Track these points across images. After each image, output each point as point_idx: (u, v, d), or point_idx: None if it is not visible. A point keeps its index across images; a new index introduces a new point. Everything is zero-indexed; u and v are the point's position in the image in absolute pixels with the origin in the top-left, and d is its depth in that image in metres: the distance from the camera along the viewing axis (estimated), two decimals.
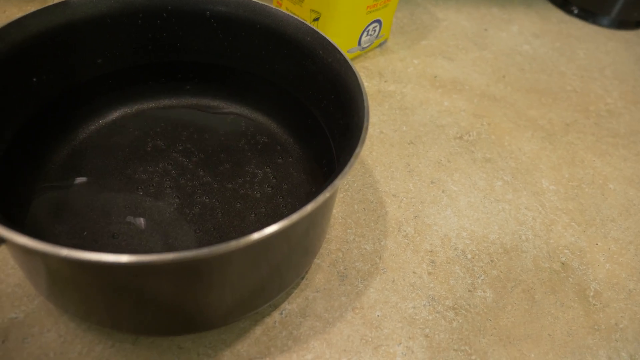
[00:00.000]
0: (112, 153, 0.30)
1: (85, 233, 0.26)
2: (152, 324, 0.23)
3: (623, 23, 0.56)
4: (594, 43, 0.54)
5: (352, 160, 0.21)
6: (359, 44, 0.43)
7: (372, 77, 0.43)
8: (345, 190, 0.33)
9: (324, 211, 0.24)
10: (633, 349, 0.28)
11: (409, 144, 0.38)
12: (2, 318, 0.25)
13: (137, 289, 0.21)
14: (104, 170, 0.29)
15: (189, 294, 0.21)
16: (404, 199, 0.34)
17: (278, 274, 0.24)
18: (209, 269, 0.20)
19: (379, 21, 0.43)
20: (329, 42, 0.27)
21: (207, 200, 0.28)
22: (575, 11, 0.57)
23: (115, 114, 0.32)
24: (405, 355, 0.26)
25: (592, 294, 0.30)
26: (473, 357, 0.26)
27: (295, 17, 0.28)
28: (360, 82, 0.25)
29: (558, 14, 0.57)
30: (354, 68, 0.26)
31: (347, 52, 0.42)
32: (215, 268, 0.20)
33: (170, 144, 0.31)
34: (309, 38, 0.28)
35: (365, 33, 0.42)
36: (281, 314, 0.27)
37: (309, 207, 0.19)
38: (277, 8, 0.29)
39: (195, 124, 0.32)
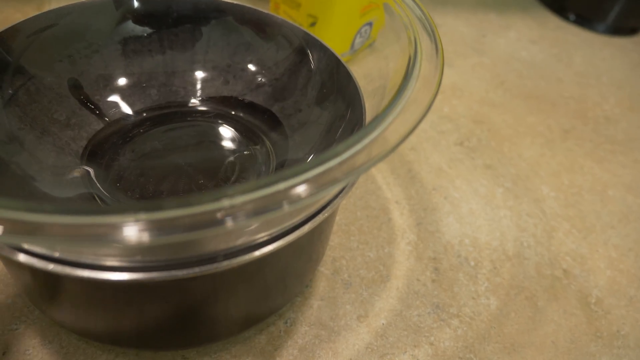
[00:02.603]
0: None
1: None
2: (154, 339, 0.23)
3: (618, 29, 0.57)
4: (591, 49, 0.54)
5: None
6: (352, 46, 0.43)
7: (367, 80, 0.43)
8: (347, 197, 0.33)
9: (329, 220, 0.24)
10: (635, 355, 0.28)
11: (410, 150, 0.38)
12: (2, 330, 0.24)
13: (131, 305, 0.20)
14: None
15: (189, 309, 0.21)
16: (407, 205, 0.34)
17: (283, 284, 0.24)
18: (209, 285, 0.20)
19: (370, 23, 0.43)
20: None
21: None
22: (572, 17, 0.58)
23: None
24: None
25: (593, 300, 0.30)
26: None
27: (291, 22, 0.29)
28: (361, 95, 0.25)
29: (555, 20, 0.58)
30: (353, 77, 0.26)
31: (341, 55, 0.42)
32: (215, 284, 0.20)
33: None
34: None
35: (358, 35, 0.42)
36: (286, 322, 0.27)
37: (313, 224, 0.19)
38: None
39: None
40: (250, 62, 0.32)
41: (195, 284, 0.20)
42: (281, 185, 0.14)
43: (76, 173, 0.26)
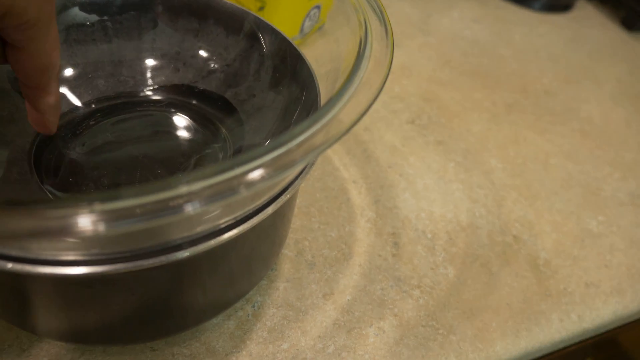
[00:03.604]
0: None
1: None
2: (121, 333, 0.23)
3: (553, 6, 0.60)
4: (528, 27, 0.57)
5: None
6: (302, 30, 0.43)
7: (319, 63, 0.43)
8: (306, 180, 0.34)
9: (290, 203, 0.25)
10: (581, 310, 0.30)
11: (364, 130, 0.39)
12: None
13: (97, 299, 0.20)
14: None
15: (156, 300, 0.21)
16: (364, 184, 0.35)
17: (248, 269, 0.24)
18: (176, 273, 0.20)
19: (318, 7, 0.43)
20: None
21: None
22: None
23: None
24: (377, 335, 0.27)
25: (542, 262, 0.32)
26: (440, 331, 0.28)
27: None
28: (315, 77, 0.25)
29: (495, 0, 0.60)
30: (306, 60, 0.26)
31: (292, 39, 0.42)
32: (181, 272, 0.20)
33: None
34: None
35: (307, 19, 0.42)
36: (253, 306, 0.27)
37: (275, 206, 0.20)
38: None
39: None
40: (200, 49, 0.31)
41: (160, 273, 0.20)
42: (239, 170, 0.14)
43: None
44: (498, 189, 0.37)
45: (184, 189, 0.14)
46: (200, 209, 0.14)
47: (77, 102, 0.28)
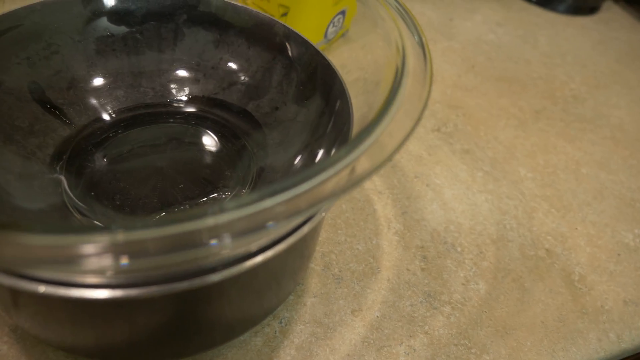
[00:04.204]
0: None
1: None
2: (147, 352, 0.22)
3: (579, 9, 0.58)
4: (554, 29, 0.55)
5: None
6: (325, 36, 0.42)
7: (344, 71, 0.43)
8: None
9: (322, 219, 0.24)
10: (619, 329, 0.29)
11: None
12: None
13: (125, 319, 0.19)
14: None
15: (185, 319, 0.20)
16: (390, 195, 0.34)
17: (277, 286, 0.24)
18: (206, 294, 0.19)
19: (343, 12, 0.42)
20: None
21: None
22: None
23: None
24: (408, 354, 0.26)
25: (577, 278, 0.31)
26: (473, 351, 0.27)
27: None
28: (347, 93, 0.24)
29: (518, 2, 0.59)
30: (337, 72, 0.25)
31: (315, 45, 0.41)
32: (212, 293, 0.20)
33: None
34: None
35: (331, 25, 0.42)
36: (280, 322, 0.26)
37: (311, 225, 0.19)
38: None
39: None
40: (221, 60, 0.31)
41: (191, 296, 0.19)
42: (276, 200, 0.13)
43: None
44: (528, 199, 0.35)
45: (211, 221, 0.13)
46: (231, 245, 0.13)
47: (96, 114, 0.28)
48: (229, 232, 0.13)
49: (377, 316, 0.27)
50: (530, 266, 0.31)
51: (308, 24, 0.39)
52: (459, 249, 0.31)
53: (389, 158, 0.15)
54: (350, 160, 0.14)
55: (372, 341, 0.26)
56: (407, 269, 0.30)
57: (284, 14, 0.38)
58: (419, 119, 0.16)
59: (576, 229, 0.34)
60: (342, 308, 0.27)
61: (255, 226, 0.13)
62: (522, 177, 0.37)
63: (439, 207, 0.34)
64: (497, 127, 0.41)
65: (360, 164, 0.15)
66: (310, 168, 0.14)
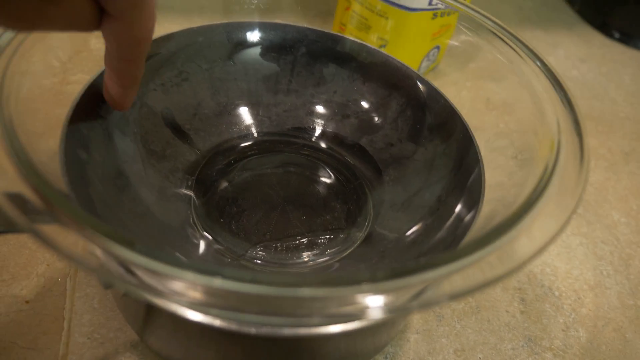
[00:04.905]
0: None
1: None
2: None
3: None
4: (638, 68, 0.54)
5: None
6: (419, 70, 0.43)
7: None
8: None
9: None
10: None
11: None
12: None
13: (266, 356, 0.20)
14: None
15: (313, 357, 0.21)
16: None
17: (391, 324, 0.24)
18: (331, 338, 0.20)
19: (438, 47, 0.43)
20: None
21: None
22: (616, 35, 0.58)
23: None
24: None
25: None
26: None
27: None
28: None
29: (599, 38, 0.58)
30: (459, 114, 0.26)
31: None
32: (337, 338, 0.20)
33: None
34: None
35: (425, 59, 0.42)
36: (386, 357, 0.26)
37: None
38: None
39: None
40: (335, 93, 0.31)
41: (320, 338, 0.19)
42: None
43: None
44: (623, 245, 0.35)
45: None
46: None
47: (221, 139, 0.29)
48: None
49: (480, 358, 0.27)
50: (630, 316, 0.31)
51: (404, 57, 0.39)
52: (556, 293, 0.31)
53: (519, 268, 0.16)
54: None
55: None
56: (507, 311, 0.30)
57: (383, 46, 0.39)
58: (562, 228, 0.16)
59: None
60: (445, 347, 0.27)
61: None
62: (615, 222, 0.36)
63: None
64: None
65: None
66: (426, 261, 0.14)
